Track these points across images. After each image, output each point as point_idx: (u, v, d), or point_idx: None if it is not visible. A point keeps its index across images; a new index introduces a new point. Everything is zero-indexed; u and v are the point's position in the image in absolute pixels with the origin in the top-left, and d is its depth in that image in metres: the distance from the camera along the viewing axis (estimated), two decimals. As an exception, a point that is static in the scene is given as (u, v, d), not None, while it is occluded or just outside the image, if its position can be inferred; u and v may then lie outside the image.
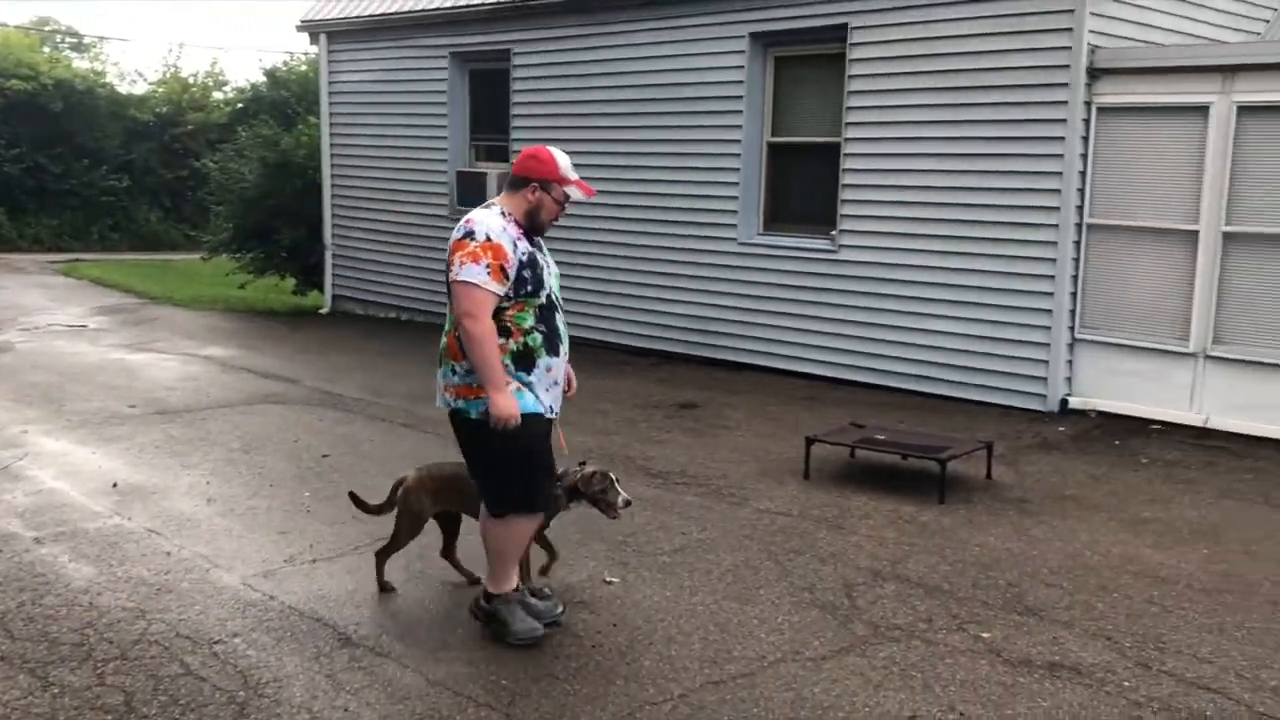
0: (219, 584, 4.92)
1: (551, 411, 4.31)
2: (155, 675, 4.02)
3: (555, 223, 4.39)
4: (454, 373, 4.23)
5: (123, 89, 25.95)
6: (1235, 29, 9.36)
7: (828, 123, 9.67)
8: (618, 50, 10.93)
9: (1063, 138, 8.23)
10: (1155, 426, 8.08)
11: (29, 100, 22.13)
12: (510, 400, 4.10)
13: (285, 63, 27.99)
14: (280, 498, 6.22)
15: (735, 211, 10.18)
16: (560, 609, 4.53)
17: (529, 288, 4.17)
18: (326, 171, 14.35)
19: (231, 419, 8.14)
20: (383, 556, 4.85)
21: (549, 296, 4.26)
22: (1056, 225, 8.32)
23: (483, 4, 12.00)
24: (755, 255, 10.09)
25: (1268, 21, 9.75)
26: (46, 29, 33.77)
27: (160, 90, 25.64)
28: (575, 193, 4.34)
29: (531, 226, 4.29)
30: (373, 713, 3.80)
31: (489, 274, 4.08)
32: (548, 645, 4.32)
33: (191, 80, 26.12)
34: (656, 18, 10.60)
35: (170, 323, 13.30)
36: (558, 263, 4.55)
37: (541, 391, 4.24)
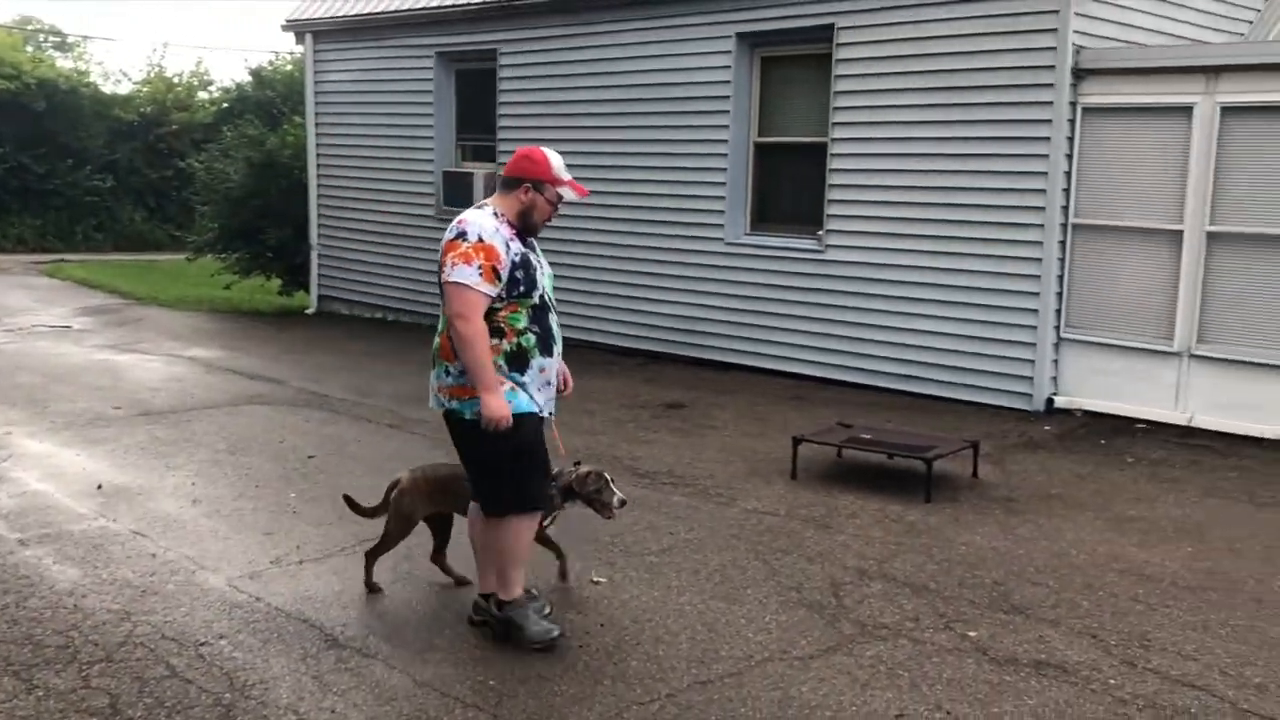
0: (205, 585, 4.90)
1: (545, 411, 4.31)
2: (141, 677, 4.01)
3: (548, 223, 4.39)
4: (448, 374, 4.22)
5: (107, 89, 25.85)
6: (1219, 29, 9.41)
7: (814, 123, 9.69)
8: (604, 50, 10.93)
9: (1048, 138, 8.26)
10: (1140, 425, 8.12)
11: (12, 100, 22.00)
12: (501, 402, 4.09)
13: (271, 62, 27.96)
14: (266, 499, 6.20)
15: (722, 212, 10.19)
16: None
17: (521, 288, 4.17)
18: (312, 171, 14.31)
19: (217, 420, 8.11)
20: (372, 557, 4.85)
21: (542, 297, 4.25)
22: (1042, 225, 8.35)
23: (469, 4, 11.98)
24: (742, 255, 10.10)
25: (1251, 22, 9.80)
26: (29, 28, 33.59)
27: (145, 90, 25.51)
28: (568, 193, 4.34)
29: (524, 227, 4.28)
30: (360, 714, 3.79)
31: (481, 275, 4.07)
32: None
33: (176, 80, 26.00)
34: (643, 18, 10.60)
35: (155, 323, 13.24)
36: (544, 263, 4.54)
37: (534, 391, 4.24)
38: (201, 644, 4.29)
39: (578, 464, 4.77)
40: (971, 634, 4.50)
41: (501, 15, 11.79)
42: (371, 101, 13.51)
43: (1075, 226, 8.38)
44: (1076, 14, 8.12)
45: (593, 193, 4.56)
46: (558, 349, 4.35)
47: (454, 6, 12.15)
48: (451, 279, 4.09)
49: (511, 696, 3.92)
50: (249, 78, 25.34)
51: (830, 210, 9.49)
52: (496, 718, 3.78)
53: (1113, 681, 4.10)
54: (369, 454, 7.24)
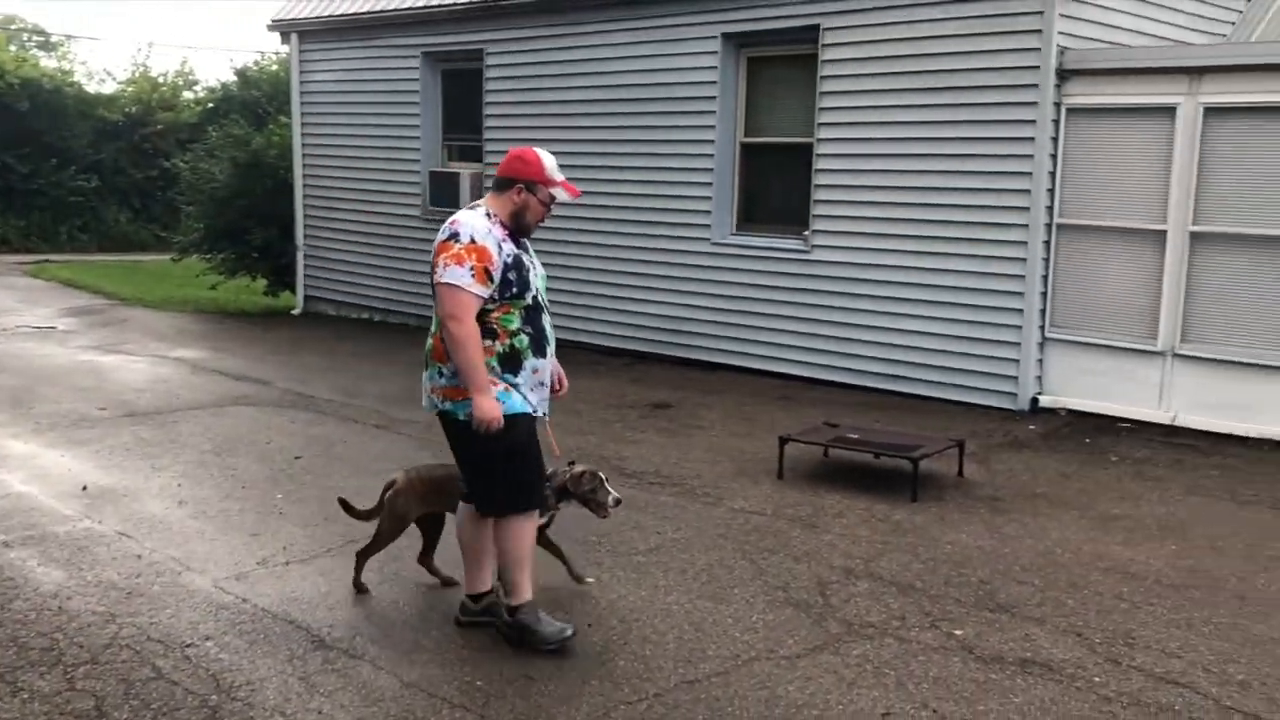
0: (191, 587, 4.88)
1: (538, 412, 4.31)
2: (126, 679, 4.00)
3: (541, 224, 4.39)
4: (441, 375, 4.22)
5: (91, 88, 25.69)
6: (1202, 31, 9.46)
7: (800, 123, 9.71)
8: (590, 50, 10.93)
9: (1032, 138, 8.30)
10: (1124, 424, 8.16)
11: (-6, 99, 21.89)
12: (493, 403, 4.09)
13: (256, 62, 27.89)
14: (252, 500, 6.18)
15: (709, 212, 10.21)
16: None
17: (514, 290, 4.16)
18: (298, 171, 14.27)
19: (203, 421, 8.08)
20: (363, 556, 4.84)
21: (535, 298, 4.25)
22: (1027, 225, 8.39)
23: (454, 4, 11.96)
24: (729, 255, 10.12)
25: (1233, 24, 9.86)
26: (12, 27, 33.37)
27: (129, 90, 25.39)
28: (561, 194, 4.33)
29: (517, 228, 4.28)
30: (346, 715, 3.79)
31: (473, 276, 4.07)
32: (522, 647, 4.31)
33: (161, 80, 25.88)
34: (629, 18, 10.61)
35: (140, 324, 13.19)
36: (531, 263, 4.54)
37: (528, 392, 4.24)
38: (187, 645, 4.28)
39: (572, 464, 4.78)
40: (957, 632, 4.52)
41: (487, 15, 11.78)
42: (358, 101, 13.48)
43: (1060, 226, 8.42)
44: (1061, 15, 8.16)
45: (580, 193, 4.56)
46: (551, 350, 4.35)
47: (439, 6, 12.13)
48: (444, 280, 4.09)
49: (499, 697, 3.93)
50: (234, 77, 25.25)
51: (816, 210, 9.52)
52: (484, 718, 3.78)
53: (1097, 679, 4.13)
54: (356, 455, 7.22)
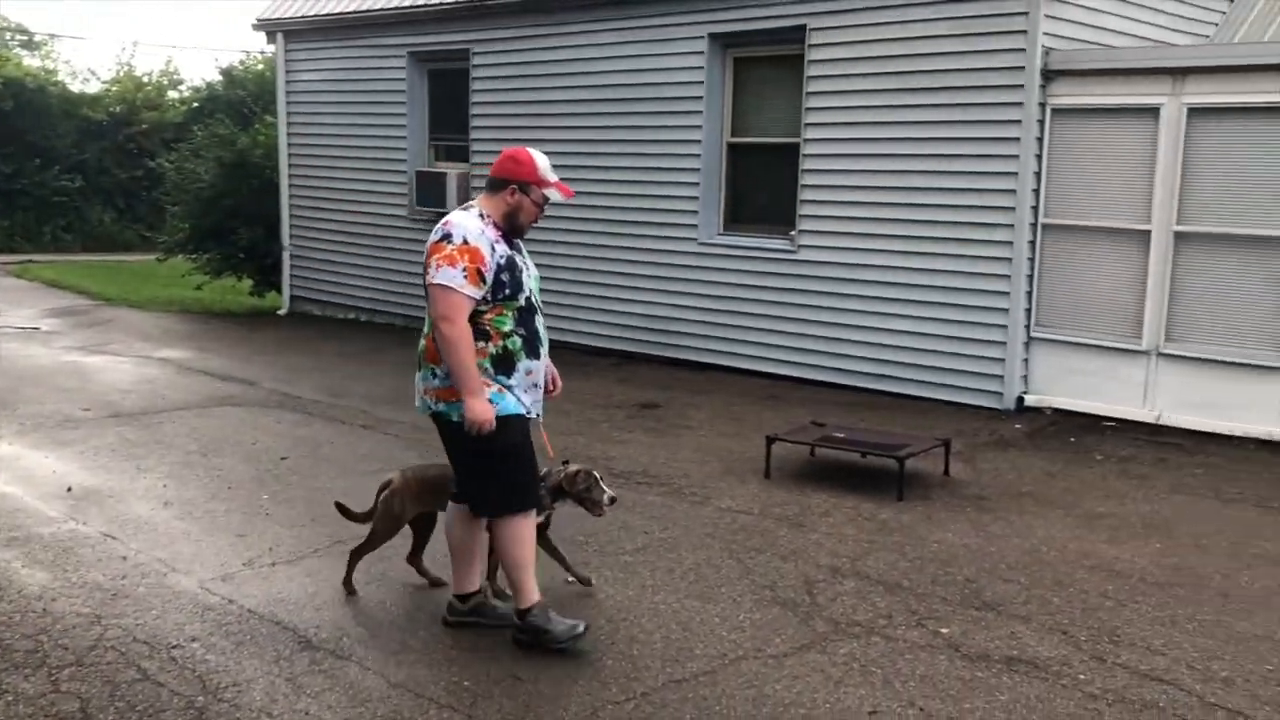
0: (177, 588, 4.87)
1: (532, 413, 4.30)
2: (112, 681, 3.98)
3: (535, 225, 4.38)
4: (434, 376, 4.21)
5: (75, 87, 25.58)
6: (1185, 31, 9.51)
7: (787, 123, 9.73)
8: (577, 50, 10.93)
9: (1018, 139, 8.33)
10: (1109, 423, 8.20)
11: (-23, 99, 21.78)
12: (485, 405, 4.08)
13: (242, 62, 27.79)
14: (239, 500, 6.16)
15: (695, 212, 10.22)
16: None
17: (507, 291, 4.16)
18: (284, 171, 14.23)
19: (188, 422, 8.05)
20: (357, 555, 4.83)
21: (528, 299, 4.25)
22: (1012, 225, 8.42)
23: (440, 4, 11.94)
24: (716, 255, 10.13)
25: (1216, 25, 9.92)
26: (-4, 26, 33.18)
27: (114, 89, 25.28)
28: (554, 195, 4.32)
29: (511, 228, 4.27)
30: (334, 715, 3.78)
31: (465, 277, 4.06)
32: (510, 646, 4.31)
33: (146, 79, 25.78)
34: (616, 18, 10.61)
35: (125, 324, 13.13)
36: (519, 263, 4.53)
37: (521, 394, 4.24)
38: (173, 647, 4.27)
39: (566, 463, 4.78)
40: (944, 631, 4.54)
41: (473, 15, 11.76)
42: (344, 101, 13.45)
43: (1045, 226, 8.46)
44: (1046, 15, 8.19)
45: (574, 194, 4.56)
46: (544, 351, 4.34)
47: (425, 6, 12.12)
48: (436, 281, 4.07)
49: (486, 697, 3.92)
50: (220, 77, 25.16)
51: (803, 210, 9.54)
52: (471, 718, 3.78)
53: (1083, 677, 4.15)
54: (342, 455, 7.21)
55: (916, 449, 6.66)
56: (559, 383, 4.54)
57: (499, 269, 4.13)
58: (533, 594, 4.29)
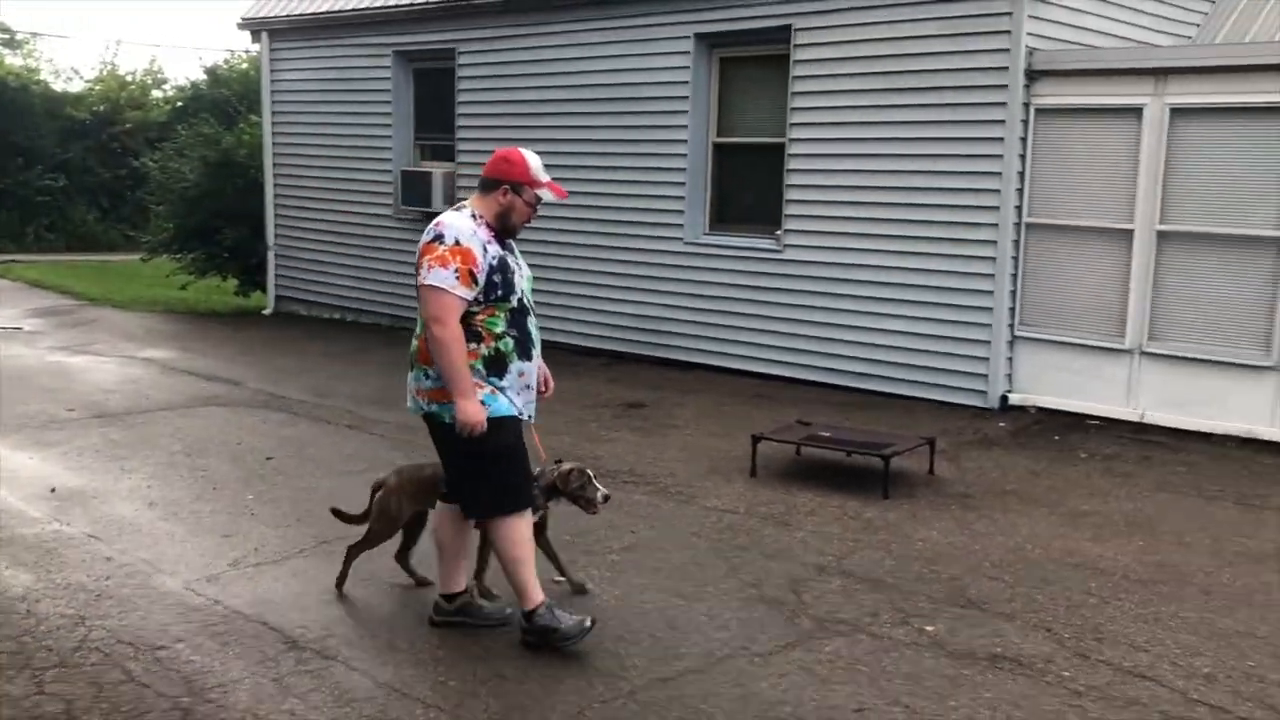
0: (161, 589, 4.85)
1: (524, 414, 4.30)
2: (96, 683, 3.96)
3: (528, 225, 4.37)
4: (426, 377, 4.20)
5: (58, 86, 25.44)
6: (1167, 32, 9.57)
7: (772, 123, 9.74)
8: (563, 50, 10.93)
9: (1002, 138, 8.37)
10: (1093, 422, 8.24)
11: (-40, 98, 21.64)
12: (477, 407, 4.08)
13: (226, 61, 27.65)
14: (224, 501, 6.15)
15: (681, 211, 10.23)
16: (509, 610, 4.53)
17: (499, 292, 4.15)
18: (269, 171, 14.18)
19: (173, 422, 8.02)
20: (354, 552, 4.83)
21: (520, 300, 4.24)
22: (996, 225, 8.46)
23: (425, 3, 11.92)
24: (702, 255, 10.14)
25: (1198, 25, 9.98)
26: (-23, 25, 32.95)
27: (97, 88, 25.15)
28: (547, 195, 4.31)
29: (503, 229, 4.26)
30: (320, 716, 3.77)
31: (457, 278, 4.05)
32: (496, 646, 4.32)
33: (129, 78, 25.65)
34: (601, 17, 10.61)
35: (109, 325, 13.07)
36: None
37: (513, 395, 4.23)
38: (158, 648, 4.25)
39: (559, 461, 4.77)
40: (929, 629, 4.56)
41: (458, 14, 11.74)
42: (329, 100, 13.41)
43: (1029, 226, 8.49)
44: (1030, 16, 8.23)
45: (567, 194, 4.55)
46: (536, 352, 4.33)
47: (410, 5, 12.09)
48: (427, 282, 4.07)
49: (473, 696, 3.93)
50: (204, 76, 25.04)
51: (788, 210, 9.56)
52: (457, 718, 3.78)
53: (1066, 674, 4.18)
54: (328, 455, 7.19)
55: (901, 448, 6.68)
56: (551, 384, 4.54)
57: (491, 270, 4.12)
58: (536, 594, 4.28)
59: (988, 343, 8.56)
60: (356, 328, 13.01)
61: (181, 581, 4.94)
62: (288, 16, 13.56)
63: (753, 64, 9.98)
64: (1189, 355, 7.95)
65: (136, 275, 17.52)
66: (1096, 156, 8.24)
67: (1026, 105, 8.35)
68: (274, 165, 14.14)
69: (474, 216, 4.21)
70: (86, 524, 5.69)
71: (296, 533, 5.57)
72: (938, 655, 4.31)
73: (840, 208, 9.23)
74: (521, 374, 4.25)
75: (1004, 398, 8.62)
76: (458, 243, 4.08)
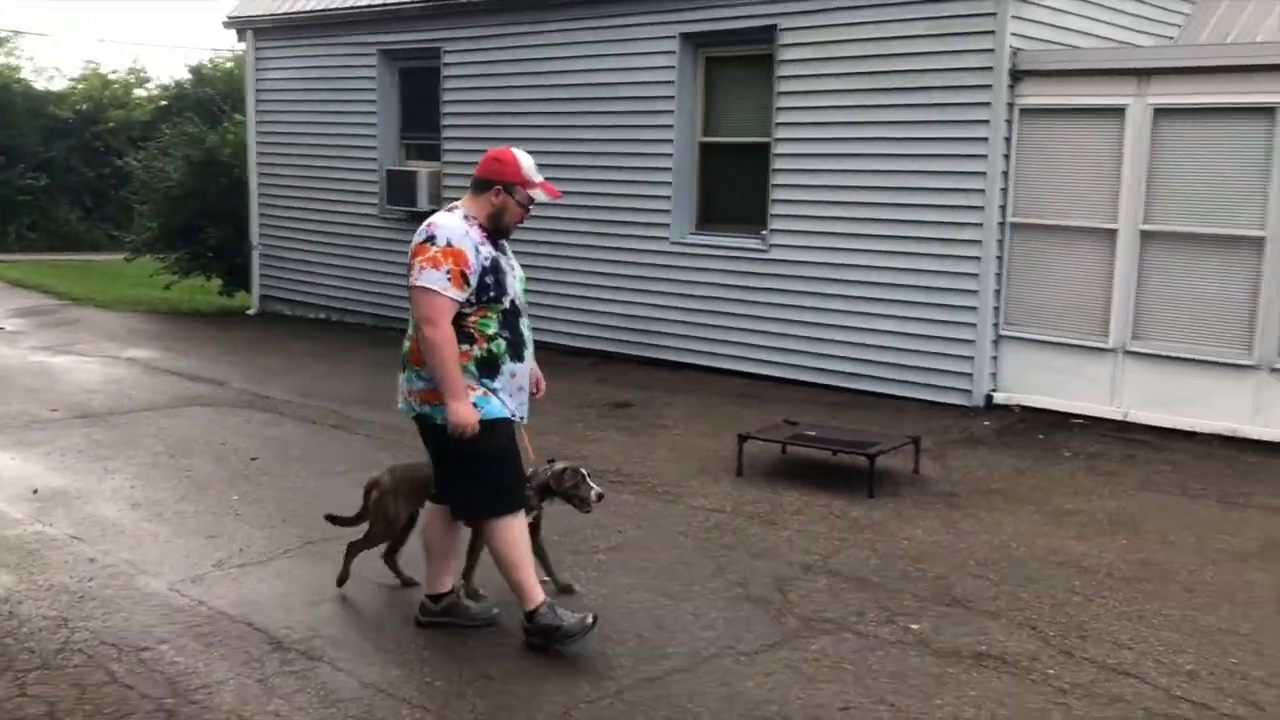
0: (145, 590, 4.83)
1: (516, 416, 4.29)
2: (80, 684, 3.94)
3: (520, 225, 4.36)
4: (418, 378, 4.18)
5: (40, 85, 25.27)
6: (1149, 33, 9.61)
7: (758, 123, 9.76)
8: (548, 49, 10.92)
9: (986, 138, 8.39)
10: (1077, 420, 8.28)
11: (-59, 97, 21.49)
12: (469, 408, 4.06)
13: (211, 59, 27.51)
14: (208, 501, 6.12)
15: (668, 211, 10.23)
16: (495, 610, 4.52)
17: (492, 293, 4.14)
18: (253, 170, 14.13)
19: (157, 422, 7.98)
20: (354, 550, 4.81)
21: (513, 302, 4.22)
22: (981, 224, 8.48)
23: (411, 2, 11.89)
24: (688, 255, 10.14)
25: (1180, 26, 10.03)
26: (-41, 23, 32.75)
27: (80, 87, 25.01)
28: (540, 195, 4.30)
29: (496, 230, 4.25)
30: (305, 716, 3.76)
31: (449, 280, 4.04)
32: (482, 646, 4.31)
33: (113, 77, 25.53)
34: (587, 17, 10.60)
35: (92, 324, 12.99)
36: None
37: (506, 397, 4.22)
38: (142, 649, 4.23)
39: (552, 461, 4.77)
40: (914, 627, 4.57)
41: (443, 14, 11.72)
42: (314, 99, 13.36)
43: (1013, 225, 8.52)
44: (1013, 16, 8.26)
45: (560, 194, 4.54)
46: (529, 353, 4.32)
47: (396, 4, 12.06)
48: (419, 283, 4.05)
49: (459, 697, 3.92)
50: (188, 75, 24.93)
51: (774, 210, 9.57)
52: (444, 718, 3.77)
53: (1051, 671, 4.19)
54: (313, 455, 7.17)
55: (886, 447, 6.70)
56: (543, 385, 4.53)
57: (483, 271, 4.11)
58: (537, 594, 4.26)
59: (973, 342, 8.59)
60: (341, 327, 12.97)
61: (165, 582, 4.92)
62: (273, 15, 13.50)
63: (738, 64, 9.99)
64: (1172, 354, 7.99)
65: (120, 275, 17.43)
66: (1080, 156, 8.28)
67: (1010, 105, 8.38)
68: (258, 164, 14.08)
69: (466, 217, 4.19)
70: (69, 525, 5.65)
71: (281, 533, 5.55)
72: (923, 653, 4.33)
73: (825, 207, 9.25)
74: (514, 375, 4.24)
75: (989, 397, 8.65)
76: (450, 244, 4.07)
